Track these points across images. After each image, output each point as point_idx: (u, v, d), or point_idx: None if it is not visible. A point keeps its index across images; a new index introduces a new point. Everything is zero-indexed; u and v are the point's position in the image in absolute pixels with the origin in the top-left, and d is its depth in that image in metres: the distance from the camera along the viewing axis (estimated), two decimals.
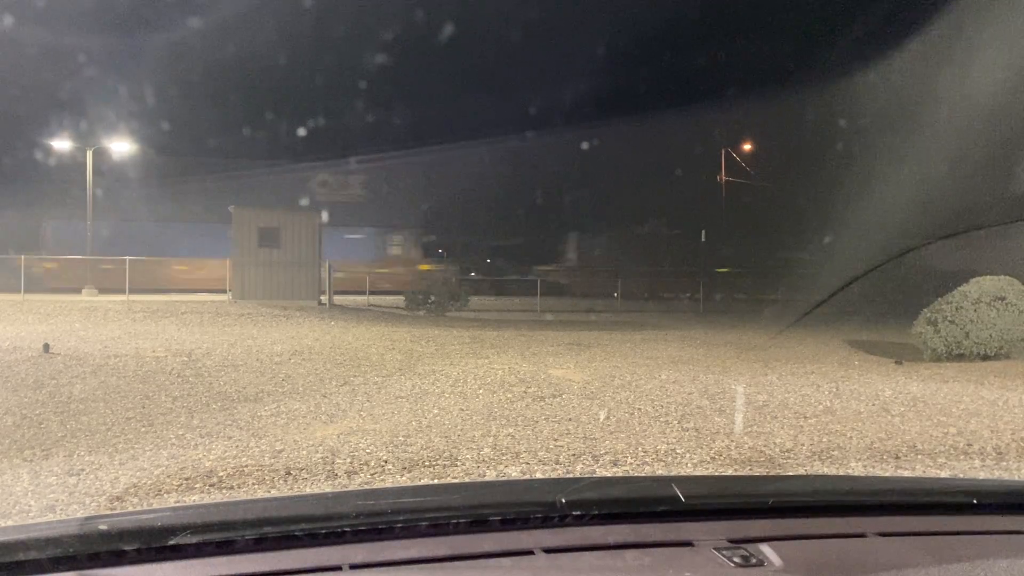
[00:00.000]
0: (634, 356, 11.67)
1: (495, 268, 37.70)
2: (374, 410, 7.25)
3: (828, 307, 14.79)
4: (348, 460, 5.34)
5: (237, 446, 5.77)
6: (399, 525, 1.50)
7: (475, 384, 8.80)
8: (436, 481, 4.96)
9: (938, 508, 1.81)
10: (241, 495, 4.66)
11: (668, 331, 16.67)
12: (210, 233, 30.18)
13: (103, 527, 1.42)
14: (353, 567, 1.38)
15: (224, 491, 4.69)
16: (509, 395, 8.08)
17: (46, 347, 11.06)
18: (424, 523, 1.53)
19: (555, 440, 6.04)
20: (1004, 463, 5.68)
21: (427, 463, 5.32)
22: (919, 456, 5.75)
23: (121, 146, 27.00)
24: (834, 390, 8.62)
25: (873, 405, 7.77)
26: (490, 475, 5.19)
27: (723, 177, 37.45)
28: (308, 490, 4.77)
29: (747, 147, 38.10)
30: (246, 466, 5.16)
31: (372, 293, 25.19)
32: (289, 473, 5.00)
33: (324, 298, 22.10)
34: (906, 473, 5.31)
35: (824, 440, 6.20)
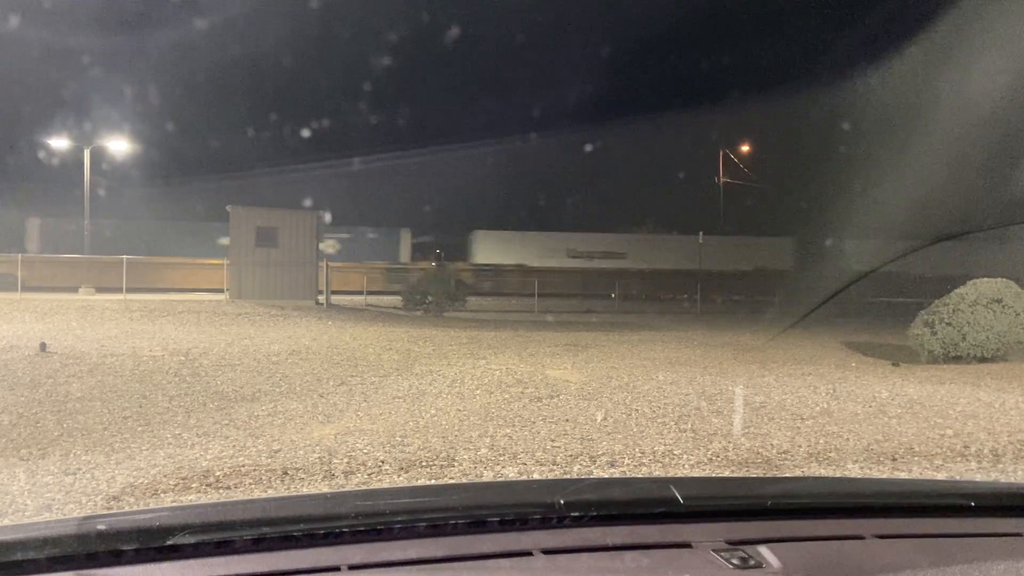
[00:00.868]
0: (632, 357, 11.67)
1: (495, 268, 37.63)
2: (371, 410, 7.25)
3: (826, 309, 14.83)
4: (345, 460, 5.33)
5: (234, 446, 5.76)
6: (397, 526, 1.50)
7: (472, 384, 8.79)
8: (434, 481, 4.96)
9: (936, 510, 1.81)
10: (238, 495, 4.66)
11: (666, 332, 16.67)
12: (208, 232, 30.21)
13: (101, 527, 1.42)
14: (351, 568, 1.38)
15: (221, 491, 4.68)
16: (506, 396, 8.08)
17: (43, 346, 11.04)
18: (422, 524, 1.52)
19: (552, 441, 6.03)
20: (1000, 465, 5.69)
21: (424, 463, 5.32)
22: (916, 458, 5.75)
23: (119, 144, 26.98)
24: (831, 392, 8.62)
25: (870, 407, 7.77)
26: (487, 476, 5.19)
27: (721, 179, 37.52)
28: (305, 490, 4.77)
29: (744, 149, 38.17)
30: (243, 466, 5.15)
31: (370, 293, 25.17)
32: (286, 473, 4.99)
33: (322, 298, 22.08)
34: (903, 475, 5.31)
35: (821, 442, 6.21)
